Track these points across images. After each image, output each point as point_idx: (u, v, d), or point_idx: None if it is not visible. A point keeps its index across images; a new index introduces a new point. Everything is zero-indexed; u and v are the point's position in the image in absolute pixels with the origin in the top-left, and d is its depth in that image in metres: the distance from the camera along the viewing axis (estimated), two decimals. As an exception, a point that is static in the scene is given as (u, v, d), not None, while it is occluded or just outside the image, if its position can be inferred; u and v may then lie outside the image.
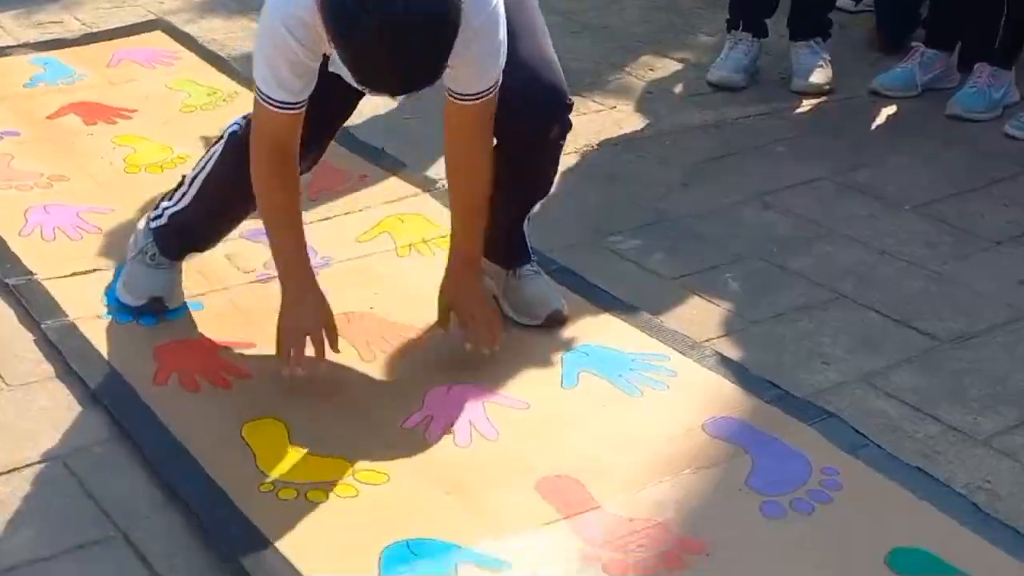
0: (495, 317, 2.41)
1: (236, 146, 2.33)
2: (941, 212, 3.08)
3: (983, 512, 2.05)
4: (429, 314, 2.48)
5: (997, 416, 2.31)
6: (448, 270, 2.40)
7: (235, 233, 2.85)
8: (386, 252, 2.79)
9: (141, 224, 2.55)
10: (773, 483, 2.09)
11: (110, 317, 2.49)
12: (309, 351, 2.26)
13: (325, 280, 2.54)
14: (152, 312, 2.47)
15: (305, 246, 2.30)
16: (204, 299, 2.59)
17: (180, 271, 2.54)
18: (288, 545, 1.91)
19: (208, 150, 2.46)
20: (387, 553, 1.92)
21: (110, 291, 2.55)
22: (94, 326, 2.46)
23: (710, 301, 2.67)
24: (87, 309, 2.52)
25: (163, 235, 2.49)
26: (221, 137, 2.43)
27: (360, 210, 2.96)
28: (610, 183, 3.20)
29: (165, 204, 2.50)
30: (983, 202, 3.13)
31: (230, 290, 2.61)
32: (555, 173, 2.51)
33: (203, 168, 2.44)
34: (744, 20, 3.83)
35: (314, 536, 1.95)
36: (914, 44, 3.85)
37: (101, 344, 2.40)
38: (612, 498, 2.05)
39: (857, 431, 2.23)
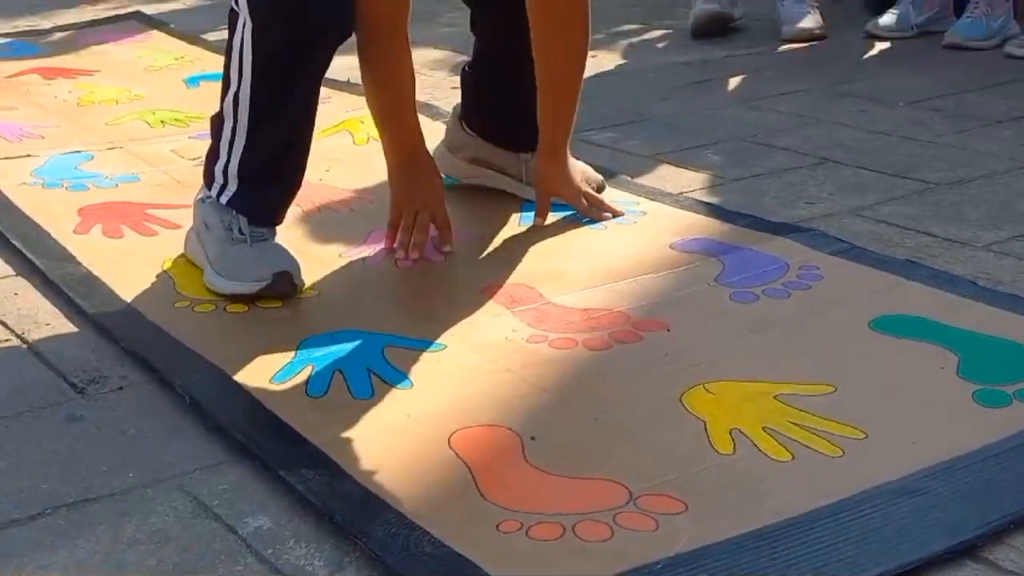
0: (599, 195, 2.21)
1: (263, 34, 1.84)
2: (937, 105, 2.90)
3: (982, 287, 1.82)
4: (381, 186, 2.31)
5: (998, 231, 2.08)
6: (542, 162, 2.16)
7: (183, 134, 2.73)
8: (343, 144, 2.64)
9: (201, 209, 1.94)
10: (745, 279, 1.87)
11: (37, 184, 2.34)
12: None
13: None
14: (281, 293, 1.83)
15: (415, 104, 2.06)
16: (142, 174, 2.44)
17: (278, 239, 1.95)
18: (202, 345, 1.70)
19: (228, 66, 1.88)
20: (306, 340, 1.71)
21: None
22: (20, 191, 2.31)
23: (687, 168, 2.48)
24: (15, 180, 2.38)
25: (242, 199, 1.90)
26: (232, 41, 1.88)
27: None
28: (582, 101, 3.06)
29: (218, 167, 1.91)
30: (982, 97, 2.95)
31: (171, 170, 2.46)
32: None
33: (237, 88, 1.87)
34: None
35: (231, 338, 1.74)
36: (906, -15, 3.73)
37: (24, 203, 2.24)
38: (567, 295, 1.84)
39: (841, 239, 2.02)
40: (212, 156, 1.94)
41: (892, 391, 1.51)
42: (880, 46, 3.53)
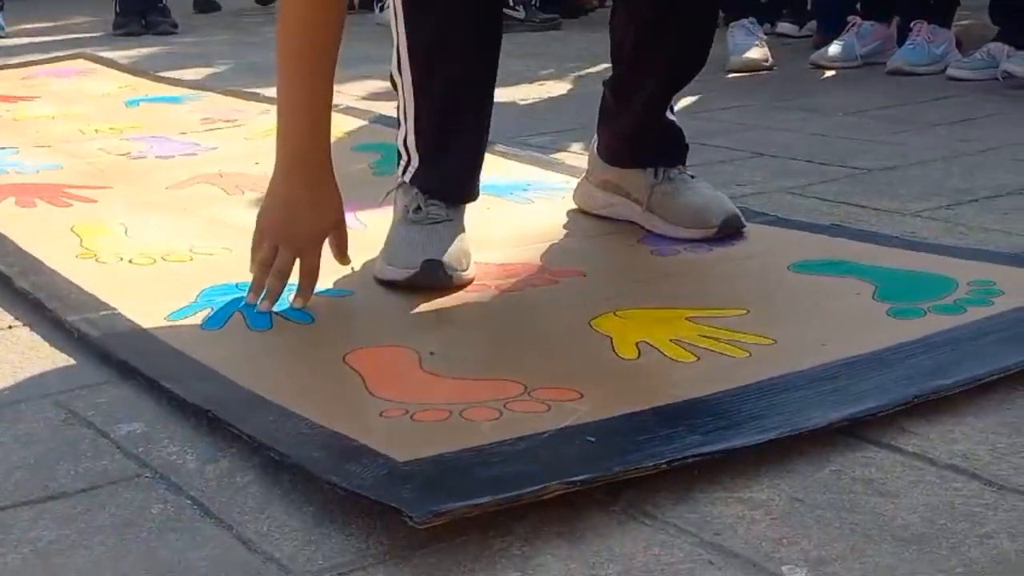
0: None
1: None
2: (876, 114, 2.89)
3: (906, 240, 1.78)
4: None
5: (927, 202, 2.05)
6: None
7: (115, 137, 2.70)
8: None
9: (395, 195, 1.77)
10: (669, 240, 1.82)
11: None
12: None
13: (204, 163, 2.40)
14: (427, 282, 1.59)
15: (330, 118, 1.61)
16: (65, 164, 2.40)
17: (463, 229, 1.70)
18: (99, 290, 1.62)
19: (392, 23, 1.71)
20: (210, 289, 1.65)
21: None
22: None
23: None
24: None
25: (421, 176, 1.71)
26: None
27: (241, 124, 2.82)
28: (527, 117, 3.05)
29: (399, 139, 1.73)
30: (921, 108, 2.95)
31: (96, 162, 2.41)
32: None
33: (396, 43, 1.69)
34: None
35: (130, 285, 1.67)
36: (850, 18, 3.75)
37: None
38: (484, 253, 1.78)
39: (767, 213, 1.97)
40: (398, 129, 1.75)
41: (805, 311, 1.47)
42: (828, 73, 3.56)
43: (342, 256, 1.64)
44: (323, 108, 1.59)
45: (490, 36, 1.72)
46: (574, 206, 2.02)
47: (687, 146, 1.92)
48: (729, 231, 1.80)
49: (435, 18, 1.67)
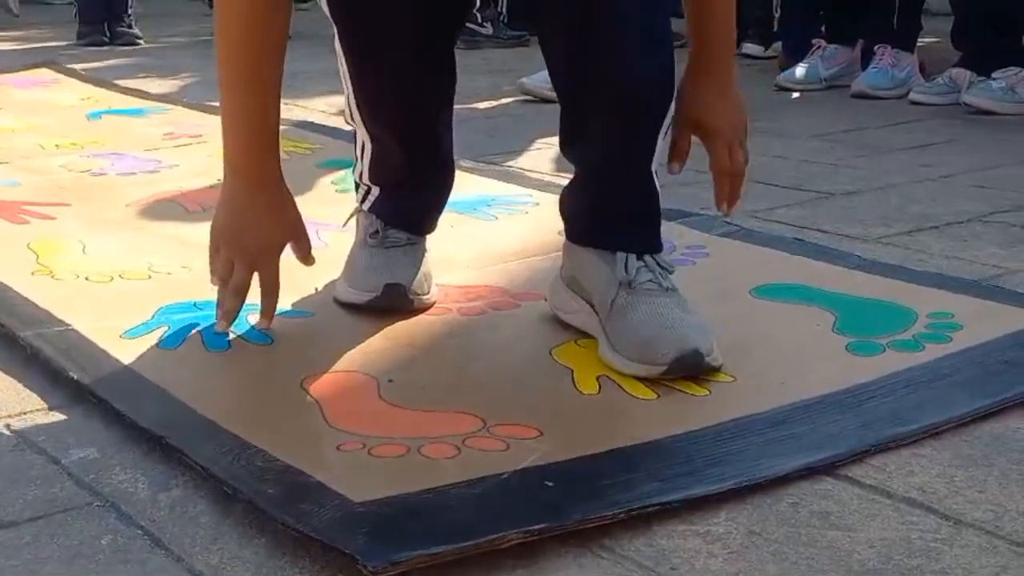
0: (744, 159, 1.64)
1: (346, 36, 1.59)
2: (839, 138, 2.91)
3: (866, 260, 1.80)
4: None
5: (888, 228, 2.06)
6: (692, 85, 1.59)
7: (76, 154, 2.68)
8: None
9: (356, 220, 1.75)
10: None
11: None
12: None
13: (165, 181, 2.38)
14: (388, 306, 1.57)
15: (278, 121, 1.53)
16: (23, 181, 2.37)
17: (424, 252, 1.68)
18: (54, 306, 1.60)
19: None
20: (167, 307, 1.63)
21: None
22: None
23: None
24: None
25: (380, 203, 1.68)
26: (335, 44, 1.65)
27: (205, 140, 2.79)
28: (484, 134, 3.05)
29: (356, 173, 1.71)
30: (884, 132, 2.97)
31: (56, 179, 2.39)
32: None
33: (347, 91, 1.64)
34: None
35: (86, 302, 1.65)
36: (815, 41, 3.77)
37: None
38: (446, 275, 1.77)
39: (730, 223, 1.98)
40: (354, 162, 1.73)
41: (766, 343, 1.47)
42: (792, 96, 3.58)
43: (306, 259, 1.59)
44: (266, 114, 1.49)
45: (441, 74, 1.63)
46: (536, 222, 2.01)
47: (659, 212, 1.55)
48: (683, 371, 1.35)
49: (381, 67, 1.59)
